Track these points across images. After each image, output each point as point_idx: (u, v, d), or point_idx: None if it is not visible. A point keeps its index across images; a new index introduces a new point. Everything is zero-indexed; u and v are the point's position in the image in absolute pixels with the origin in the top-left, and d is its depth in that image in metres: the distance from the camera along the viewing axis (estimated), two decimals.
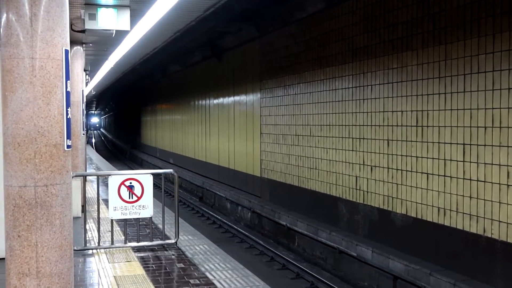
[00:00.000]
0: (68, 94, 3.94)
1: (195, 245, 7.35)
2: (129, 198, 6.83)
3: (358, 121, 9.50)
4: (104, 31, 8.14)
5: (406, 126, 8.24)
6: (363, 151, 9.39)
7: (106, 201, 9.52)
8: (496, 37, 6.59)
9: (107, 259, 6.54)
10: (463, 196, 7.16)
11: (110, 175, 6.91)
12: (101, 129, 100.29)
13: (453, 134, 7.31)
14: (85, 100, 13.22)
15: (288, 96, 12.31)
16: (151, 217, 7.07)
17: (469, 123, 7.03)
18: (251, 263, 9.83)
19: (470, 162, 7.03)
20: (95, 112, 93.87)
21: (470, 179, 7.03)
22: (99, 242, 7.00)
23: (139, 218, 7.04)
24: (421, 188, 7.93)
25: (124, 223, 7.06)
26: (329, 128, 10.52)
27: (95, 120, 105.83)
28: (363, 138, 9.38)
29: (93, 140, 62.04)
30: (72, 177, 4.12)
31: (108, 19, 7.74)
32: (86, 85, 20.38)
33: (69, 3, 4.02)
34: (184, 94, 23.36)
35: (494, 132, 6.65)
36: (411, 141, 8.14)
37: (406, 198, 8.28)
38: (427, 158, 7.80)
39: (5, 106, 3.77)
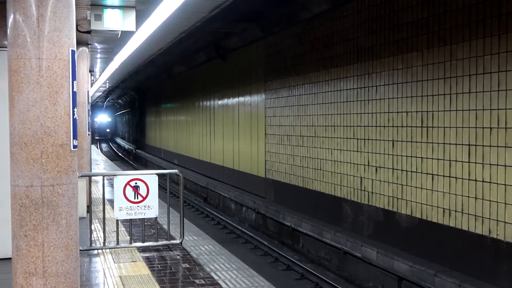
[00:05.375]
0: (74, 94, 3.95)
1: (200, 245, 7.36)
2: (135, 198, 6.84)
3: (363, 122, 9.49)
4: (110, 32, 8.16)
5: (411, 127, 8.23)
6: (368, 152, 9.38)
7: (111, 202, 9.55)
8: (502, 38, 6.58)
9: (113, 259, 6.56)
10: (468, 197, 7.15)
11: (115, 175, 6.93)
12: (117, 138, 60.65)
13: (458, 135, 7.30)
14: (90, 100, 13.26)
15: (293, 97, 12.31)
16: (156, 218, 7.08)
17: (474, 124, 7.01)
18: (256, 263, 9.82)
19: (475, 163, 7.02)
20: (104, 105, 61.34)
21: (475, 180, 7.02)
22: (104, 242, 7.02)
23: (144, 219, 7.05)
24: (426, 189, 7.92)
25: (130, 223, 7.07)
26: (334, 129, 10.51)
27: (102, 118, 69.86)
28: (368, 139, 9.37)
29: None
30: (78, 177, 4.13)
31: (113, 19, 7.76)
32: (91, 85, 20.44)
33: (75, 4, 4.03)
34: (189, 95, 23.39)
35: (499, 133, 6.64)
36: (416, 142, 8.12)
37: (411, 199, 8.27)
38: (432, 159, 7.79)
39: (12, 106, 3.79)
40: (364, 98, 9.46)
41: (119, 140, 57.93)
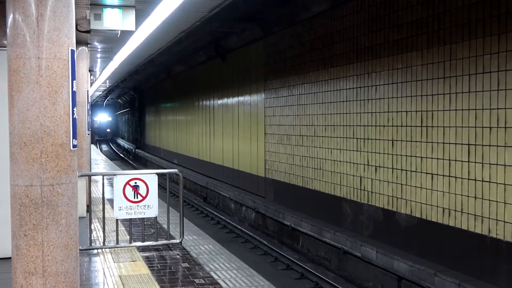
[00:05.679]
0: (74, 94, 3.95)
1: (199, 245, 7.36)
2: (134, 198, 6.84)
3: (363, 122, 9.49)
4: (109, 31, 8.16)
5: (411, 126, 8.23)
6: (368, 152, 9.38)
7: (111, 201, 9.55)
8: (501, 37, 6.58)
9: (112, 258, 6.56)
10: (467, 196, 7.15)
11: (115, 174, 6.93)
12: (120, 139, 55.10)
13: (457, 134, 7.30)
14: (90, 100, 13.26)
15: (293, 97, 12.31)
16: (156, 217, 7.08)
17: (474, 123, 7.02)
18: (256, 263, 9.83)
19: (475, 162, 7.02)
20: (104, 104, 56.13)
21: (475, 180, 7.02)
22: (104, 242, 7.02)
23: (144, 218, 7.05)
24: (426, 189, 7.92)
25: (129, 223, 7.07)
26: (334, 129, 10.51)
27: (102, 118, 63.89)
28: (368, 139, 9.37)
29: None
30: (78, 177, 4.13)
31: (113, 19, 7.76)
32: (91, 85, 20.44)
33: (75, 4, 4.03)
34: (188, 95, 23.39)
35: (499, 132, 6.64)
36: (416, 141, 8.13)
37: (410, 198, 8.27)
38: (432, 158, 7.79)
39: (12, 105, 3.79)
40: (363, 98, 9.46)
41: (119, 140, 55.96)
